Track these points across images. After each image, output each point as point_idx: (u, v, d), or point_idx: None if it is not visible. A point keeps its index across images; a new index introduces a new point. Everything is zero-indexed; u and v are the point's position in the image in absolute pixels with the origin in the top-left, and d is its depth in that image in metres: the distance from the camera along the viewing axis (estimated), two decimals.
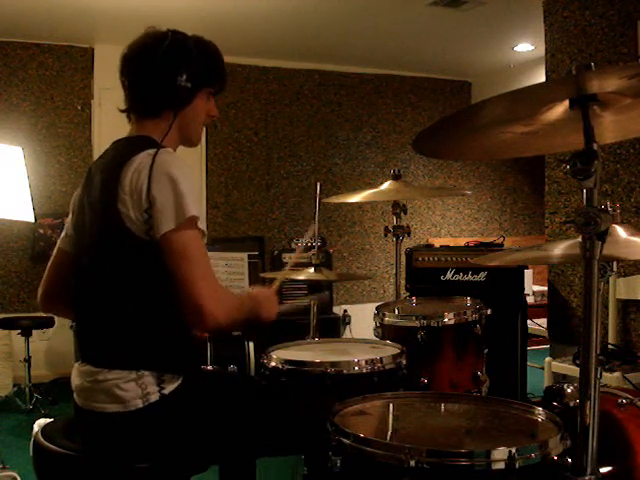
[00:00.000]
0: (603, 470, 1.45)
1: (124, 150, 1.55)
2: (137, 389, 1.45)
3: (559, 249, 1.70)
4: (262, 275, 3.94)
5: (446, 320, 2.19)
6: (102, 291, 1.51)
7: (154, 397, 1.46)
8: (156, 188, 1.43)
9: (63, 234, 1.72)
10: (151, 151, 1.48)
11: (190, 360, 1.62)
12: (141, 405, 1.45)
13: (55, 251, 1.73)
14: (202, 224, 1.47)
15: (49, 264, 1.74)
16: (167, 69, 1.56)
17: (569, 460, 1.21)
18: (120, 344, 1.49)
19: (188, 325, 1.47)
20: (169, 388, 1.48)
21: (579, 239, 1.20)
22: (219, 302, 1.42)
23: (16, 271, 5.17)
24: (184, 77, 1.56)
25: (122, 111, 1.65)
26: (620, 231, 1.62)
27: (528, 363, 3.47)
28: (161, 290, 1.49)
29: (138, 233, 1.44)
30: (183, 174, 1.47)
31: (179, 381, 1.50)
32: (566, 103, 1.23)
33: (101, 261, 1.51)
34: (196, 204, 1.45)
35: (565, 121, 1.28)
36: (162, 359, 1.50)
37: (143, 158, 1.48)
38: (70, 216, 1.71)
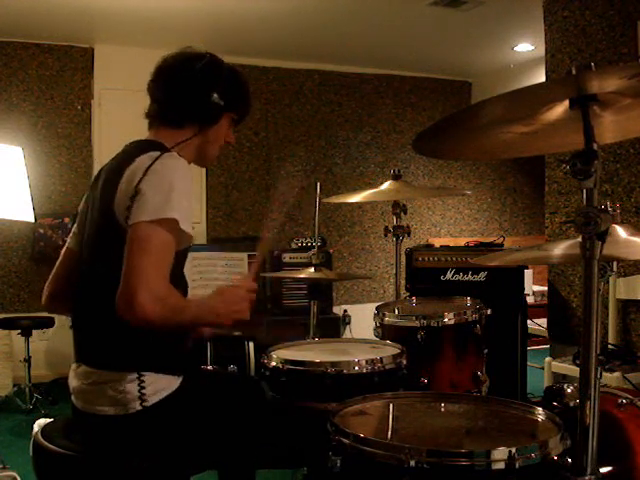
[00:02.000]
0: (603, 470, 1.45)
1: (130, 152, 1.55)
2: (136, 391, 1.45)
3: (559, 249, 1.70)
4: (262, 275, 3.95)
5: (446, 320, 2.19)
6: (99, 291, 1.51)
7: (155, 398, 1.46)
8: (146, 182, 1.43)
9: (71, 233, 1.73)
10: (154, 153, 1.48)
11: (189, 361, 1.62)
12: (141, 407, 1.45)
13: (63, 249, 1.74)
14: (186, 226, 1.44)
15: (57, 263, 1.74)
16: (203, 84, 1.60)
17: (569, 460, 1.21)
18: (119, 345, 1.49)
19: (117, 313, 1.36)
20: (169, 389, 1.48)
21: (579, 239, 1.20)
22: (156, 298, 1.35)
23: (16, 271, 5.17)
24: (217, 96, 1.60)
25: (146, 116, 1.67)
26: (620, 231, 1.62)
27: (528, 363, 3.47)
28: None
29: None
30: (180, 178, 1.46)
31: (179, 382, 1.50)
32: (566, 103, 1.23)
33: (98, 261, 1.52)
34: (181, 209, 1.42)
35: (565, 121, 1.28)
36: (162, 360, 1.50)
37: (144, 159, 1.48)
38: (78, 217, 1.72)
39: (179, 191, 1.43)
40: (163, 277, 1.39)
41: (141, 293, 1.33)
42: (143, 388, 1.45)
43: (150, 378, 1.46)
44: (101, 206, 1.52)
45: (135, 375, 1.45)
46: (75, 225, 1.72)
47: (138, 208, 1.41)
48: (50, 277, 1.74)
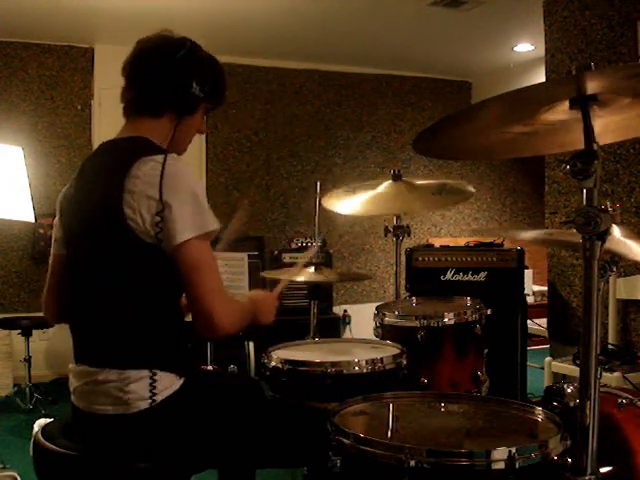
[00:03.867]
0: (603, 470, 1.45)
1: (126, 153, 1.54)
2: (140, 390, 1.45)
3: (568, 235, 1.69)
4: (262, 275, 3.95)
5: (446, 320, 2.19)
6: (103, 291, 1.51)
7: (158, 398, 1.46)
8: (171, 194, 1.44)
9: (53, 239, 1.71)
10: (158, 157, 1.48)
11: (190, 360, 1.62)
12: (144, 407, 1.45)
13: (51, 260, 1.72)
14: (217, 225, 1.51)
15: (49, 274, 1.73)
16: (184, 74, 1.58)
17: (569, 460, 1.21)
18: (124, 344, 1.49)
19: (198, 334, 1.50)
20: (172, 388, 1.48)
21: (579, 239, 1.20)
22: (229, 315, 1.49)
23: (16, 271, 5.17)
24: (197, 86, 1.59)
25: (122, 100, 1.65)
26: (620, 231, 1.62)
27: (528, 363, 3.47)
28: (163, 291, 1.51)
29: (142, 236, 1.44)
30: (198, 185, 1.51)
31: (181, 382, 1.50)
32: (566, 103, 1.23)
33: (101, 262, 1.51)
34: (211, 214, 1.49)
35: (565, 121, 1.28)
36: (166, 359, 1.50)
37: (150, 165, 1.47)
38: (58, 217, 1.70)
39: (202, 197, 1.49)
40: (223, 291, 1.51)
41: (217, 317, 1.45)
42: (148, 387, 1.45)
43: (154, 378, 1.46)
44: (104, 210, 1.49)
45: (140, 374, 1.45)
46: (54, 229, 1.71)
47: (175, 227, 1.43)
48: (45, 291, 1.73)
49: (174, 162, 1.48)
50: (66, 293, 1.63)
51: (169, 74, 1.58)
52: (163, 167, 1.45)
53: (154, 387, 1.46)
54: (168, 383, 1.48)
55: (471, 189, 2.63)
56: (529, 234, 2.00)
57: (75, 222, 1.60)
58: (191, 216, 1.45)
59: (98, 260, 1.52)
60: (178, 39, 1.62)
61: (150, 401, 1.45)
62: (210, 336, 1.48)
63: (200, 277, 1.45)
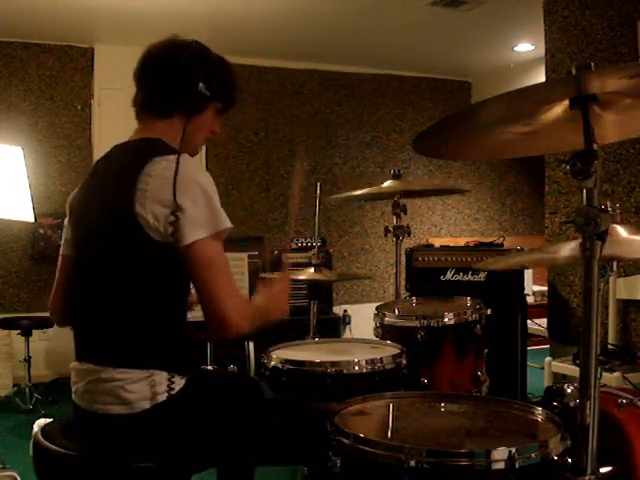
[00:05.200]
0: (603, 470, 1.45)
1: (139, 153, 1.54)
2: (144, 390, 1.45)
3: (563, 251, 1.70)
4: (262, 275, 3.95)
5: (446, 320, 2.19)
6: (110, 289, 1.51)
7: (161, 398, 1.46)
8: (185, 194, 1.44)
9: (63, 240, 1.72)
10: (171, 157, 1.48)
11: (194, 360, 1.62)
12: (146, 407, 1.45)
13: (59, 261, 1.73)
14: (230, 223, 1.50)
15: (57, 275, 1.73)
16: (189, 73, 1.59)
17: (569, 460, 1.21)
18: (129, 342, 1.49)
19: (211, 335, 1.51)
20: (175, 389, 1.48)
21: (579, 240, 1.20)
22: (243, 315, 1.47)
23: (16, 271, 5.17)
24: (203, 85, 1.60)
25: (133, 104, 1.66)
26: (620, 231, 1.62)
27: (528, 363, 3.47)
28: (170, 290, 1.51)
29: (153, 234, 1.44)
30: (211, 184, 1.50)
31: (183, 382, 1.50)
32: (566, 103, 1.23)
33: (109, 260, 1.51)
34: (224, 213, 1.49)
35: (565, 121, 1.28)
36: (170, 359, 1.50)
37: (163, 165, 1.47)
38: (68, 218, 1.70)
39: (215, 196, 1.48)
40: (237, 291, 1.51)
41: (230, 314, 1.44)
42: (150, 388, 1.45)
43: (159, 377, 1.46)
44: (115, 210, 1.50)
45: (143, 374, 1.45)
46: (64, 230, 1.71)
47: (189, 226, 1.43)
48: (53, 292, 1.74)
49: (187, 162, 1.49)
50: (72, 291, 1.63)
51: (175, 74, 1.59)
52: (177, 167, 1.46)
53: (157, 387, 1.46)
54: (171, 383, 1.48)
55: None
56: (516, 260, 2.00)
57: (85, 221, 1.61)
58: (204, 215, 1.45)
59: (106, 258, 1.52)
60: (184, 41, 1.64)
61: (152, 401, 1.45)
62: (223, 336, 1.46)
63: (214, 276, 1.45)
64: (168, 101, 1.61)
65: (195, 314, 1.64)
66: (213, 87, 1.62)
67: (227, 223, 1.48)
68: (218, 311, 1.44)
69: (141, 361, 1.47)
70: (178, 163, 1.46)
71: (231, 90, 1.71)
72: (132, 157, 1.55)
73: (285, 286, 1.72)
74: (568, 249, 1.65)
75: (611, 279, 3.26)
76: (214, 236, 1.46)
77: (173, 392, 1.47)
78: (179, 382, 1.49)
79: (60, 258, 1.73)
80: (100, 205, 1.56)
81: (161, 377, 1.47)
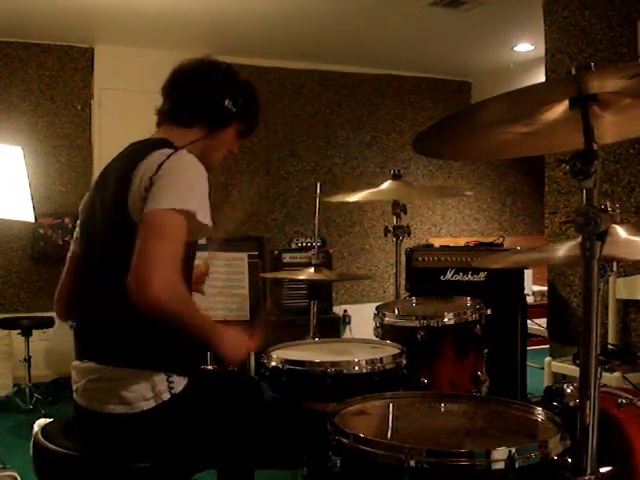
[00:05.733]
0: (603, 470, 1.45)
1: (140, 149, 1.56)
2: (145, 390, 1.45)
3: (561, 250, 1.70)
4: (262, 275, 3.95)
5: (446, 320, 2.19)
6: (112, 288, 1.50)
7: (162, 398, 1.46)
8: (163, 175, 1.44)
9: (74, 238, 1.73)
10: (167, 150, 1.50)
11: (195, 360, 1.62)
12: (147, 407, 1.45)
13: (68, 257, 1.74)
14: (207, 219, 1.46)
15: (63, 272, 1.74)
16: (217, 89, 1.65)
17: (569, 460, 1.21)
18: (130, 342, 1.49)
19: (126, 293, 1.36)
20: (176, 389, 1.48)
21: (579, 239, 1.20)
22: (169, 284, 1.35)
23: (16, 271, 5.16)
24: (229, 102, 1.65)
25: (157, 113, 1.70)
26: (620, 231, 1.62)
27: (528, 363, 3.47)
28: None
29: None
30: (200, 176, 1.49)
31: (185, 382, 1.50)
32: (566, 103, 1.23)
33: (110, 258, 1.51)
34: (201, 203, 1.45)
35: (565, 121, 1.28)
36: (171, 359, 1.50)
37: (156, 155, 1.49)
38: (80, 218, 1.72)
39: (200, 188, 1.47)
40: (177, 264, 1.39)
41: (155, 276, 1.33)
42: (153, 387, 1.45)
43: (159, 377, 1.46)
44: (114, 204, 1.51)
45: (145, 375, 1.45)
46: (76, 230, 1.72)
47: (155, 197, 1.41)
48: (58, 287, 1.74)
49: (181, 155, 1.49)
50: (77, 290, 1.64)
51: (203, 89, 1.65)
52: (168, 157, 1.47)
53: (157, 388, 1.46)
54: (172, 384, 1.48)
55: None
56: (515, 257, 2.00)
57: (90, 221, 1.62)
58: (175, 193, 1.42)
59: (107, 256, 1.52)
60: (215, 61, 1.70)
61: (153, 401, 1.45)
62: (139, 299, 1.33)
63: (150, 241, 1.37)
64: (192, 113, 1.65)
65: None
66: (238, 105, 1.67)
67: (193, 206, 1.41)
68: (143, 270, 1.34)
69: (142, 361, 1.47)
70: (172, 154, 1.47)
71: (255, 113, 1.75)
72: (133, 154, 1.56)
73: (245, 343, 1.59)
74: (567, 249, 1.65)
75: (611, 279, 3.26)
76: (178, 212, 1.41)
77: (174, 392, 1.47)
78: (180, 382, 1.49)
79: (69, 256, 1.74)
80: (102, 204, 1.57)
81: (162, 377, 1.47)
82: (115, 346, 1.50)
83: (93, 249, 1.58)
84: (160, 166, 1.45)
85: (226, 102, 1.65)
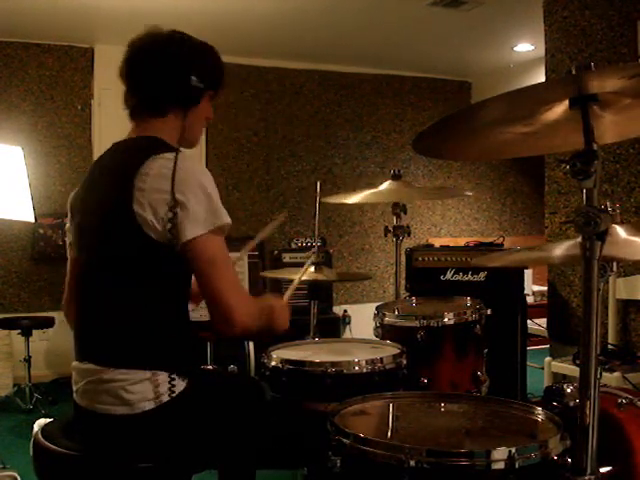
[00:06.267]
0: (603, 470, 1.45)
1: (136, 152, 1.54)
2: (145, 391, 1.45)
3: (560, 250, 1.70)
4: (262, 275, 3.95)
5: (446, 320, 2.19)
6: (112, 289, 1.51)
7: (162, 399, 1.46)
8: (183, 191, 1.44)
9: (68, 243, 1.72)
10: (169, 155, 1.48)
11: (195, 360, 1.62)
12: (148, 407, 1.45)
13: (68, 264, 1.73)
14: (229, 219, 1.49)
15: (67, 278, 1.74)
16: (180, 68, 1.59)
17: (569, 460, 1.21)
18: (131, 343, 1.48)
19: (215, 331, 1.49)
20: (177, 389, 1.48)
21: (579, 239, 1.20)
22: (248, 312, 1.48)
23: (16, 271, 5.16)
24: (195, 77, 1.59)
25: (126, 106, 1.65)
26: (620, 231, 1.62)
27: (528, 363, 3.47)
28: (171, 291, 1.52)
29: (151, 233, 1.44)
30: (210, 181, 1.49)
31: (185, 382, 1.50)
32: (566, 103, 1.23)
33: (109, 260, 1.51)
34: (223, 209, 1.48)
35: (565, 121, 1.28)
36: (172, 359, 1.50)
37: (161, 162, 1.47)
38: (69, 220, 1.69)
39: (214, 192, 1.48)
40: (240, 286, 1.51)
41: (235, 310, 1.44)
42: (152, 389, 1.45)
43: (160, 378, 1.46)
44: (114, 210, 1.49)
45: (145, 375, 1.45)
46: (68, 233, 1.70)
47: (188, 222, 1.43)
48: (65, 295, 1.74)
49: (185, 158, 1.49)
50: (76, 292, 1.64)
51: (165, 72, 1.58)
52: (175, 164, 1.45)
53: (158, 388, 1.46)
54: (172, 385, 1.47)
55: None
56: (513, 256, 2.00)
57: (85, 222, 1.61)
58: (204, 211, 1.44)
59: (106, 259, 1.52)
60: (167, 35, 1.62)
61: (154, 402, 1.45)
62: (228, 331, 1.46)
63: (217, 271, 1.45)
64: (162, 100, 1.60)
65: (194, 315, 1.64)
66: (205, 77, 1.62)
67: (226, 219, 1.47)
68: (223, 307, 1.44)
69: (142, 361, 1.47)
70: (176, 160, 1.46)
71: (220, 75, 1.69)
72: (129, 156, 1.54)
73: (286, 306, 1.71)
74: (566, 248, 1.65)
75: (611, 279, 3.26)
76: (214, 231, 1.45)
77: (174, 393, 1.47)
78: (181, 383, 1.49)
79: (68, 261, 1.73)
80: (98, 206, 1.55)
81: (163, 378, 1.46)
82: (114, 347, 1.50)
83: (91, 253, 1.57)
84: (174, 179, 1.44)
85: (192, 80, 1.58)
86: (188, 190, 1.44)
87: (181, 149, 1.53)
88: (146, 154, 1.49)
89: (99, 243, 1.54)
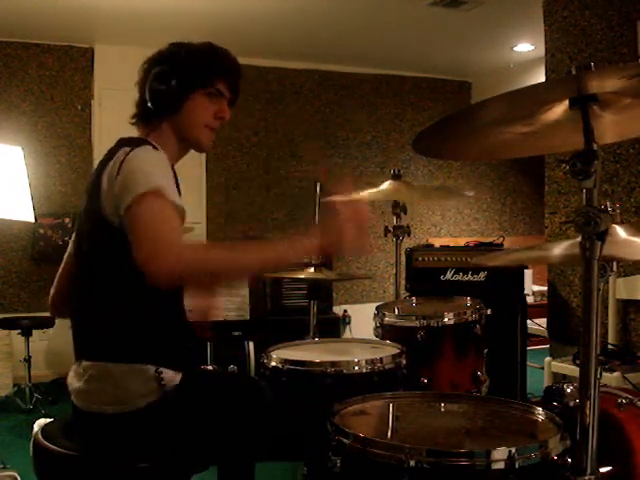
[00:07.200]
0: (603, 470, 1.45)
1: (110, 151, 1.57)
2: (136, 387, 1.45)
3: (559, 249, 1.70)
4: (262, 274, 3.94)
5: (446, 320, 2.19)
6: (97, 285, 1.52)
7: (155, 395, 1.46)
8: (122, 172, 1.45)
9: (72, 239, 1.74)
10: (127, 148, 1.50)
11: (190, 357, 1.62)
12: (141, 404, 1.45)
13: (65, 256, 1.75)
14: (174, 197, 1.44)
15: (60, 269, 1.75)
16: (153, 79, 1.61)
17: (569, 460, 1.21)
18: (123, 339, 1.49)
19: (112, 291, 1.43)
20: (171, 385, 1.48)
21: (579, 239, 1.20)
22: (177, 252, 1.34)
23: (16, 271, 5.17)
24: (171, 83, 1.59)
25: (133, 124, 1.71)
26: (620, 231, 1.62)
27: (528, 363, 3.47)
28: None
29: (118, 225, 1.45)
30: (155, 163, 1.48)
31: (178, 379, 1.50)
32: (566, 103, 1.23)
33: (92, 257, 1.54)
34: (163, 182, 1.43)
35: (565, 121, 1.28)
36: (165, 356, 1.50)
37: (119, 155, 1.50)
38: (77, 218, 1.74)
39: (160, 170, 1.46)
40: (174, 233, 1.38)
41: (159, 249, 1.32)
42: (145, 383, 1.45)
43: (153, 374, 1.46)
44: (90, 205, 1.54)
45: (139, 370, 1.45)
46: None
47: (123, 194, 1.42)
48: (55, 282, 1.75)
49: (139, 151, 1.50)
50: (70, 291, 1.65)
51: (144, 83, 1.63)
52: (127, 154, 1.47)
53: (149, 384, 1.46)
54: (167, 380, 1.48)
55: None
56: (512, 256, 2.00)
57: (79, 220, 1.64)
58: (137, 181, 1.42)
59: (95, 255, 1.54)
60: (155, 54, 1.66)
61: (146, 399, 1.45)
62: (150, 267, 1.31)
63: (154, 224, 1.37)
64: (142, 110, 1.64)
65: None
66: (183, 80, 1.61)
67: (157, 182, 1.41)
68: (149, 242, 1.35)
69: (135, 357, 1.47)
70: (132, 150, 1.48)
71: (211, 72, 1.68)
72: (104, 158, 1.57)
73: (355, 216, 1.65)
74: (566, 248, 1.65)
75: (611, 279, 3.26)
76: (145, 195, 1.39)
77: (169, 389, 1.47)
78: (172, 378, 1.49)
79: (66, 255, 1.76)
80: (85, 205, 1.60)
81: (155, 374, 1.46)
82: (106, 343, 1.51)
83: (80, 249, 1.60)
84: (121, 165, 1.46)
85: (167, 86, 1.59)
86: (128, 169, 1.45)
87: (148, 144, 1.54)
88: (114, 152, 1.52)
89: (86, 240, 1.57)
